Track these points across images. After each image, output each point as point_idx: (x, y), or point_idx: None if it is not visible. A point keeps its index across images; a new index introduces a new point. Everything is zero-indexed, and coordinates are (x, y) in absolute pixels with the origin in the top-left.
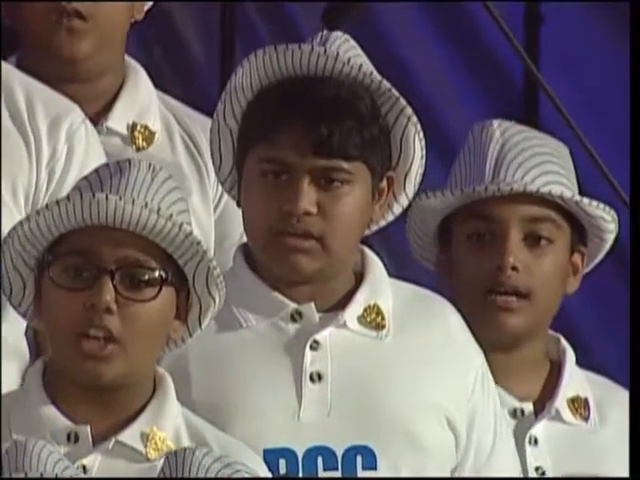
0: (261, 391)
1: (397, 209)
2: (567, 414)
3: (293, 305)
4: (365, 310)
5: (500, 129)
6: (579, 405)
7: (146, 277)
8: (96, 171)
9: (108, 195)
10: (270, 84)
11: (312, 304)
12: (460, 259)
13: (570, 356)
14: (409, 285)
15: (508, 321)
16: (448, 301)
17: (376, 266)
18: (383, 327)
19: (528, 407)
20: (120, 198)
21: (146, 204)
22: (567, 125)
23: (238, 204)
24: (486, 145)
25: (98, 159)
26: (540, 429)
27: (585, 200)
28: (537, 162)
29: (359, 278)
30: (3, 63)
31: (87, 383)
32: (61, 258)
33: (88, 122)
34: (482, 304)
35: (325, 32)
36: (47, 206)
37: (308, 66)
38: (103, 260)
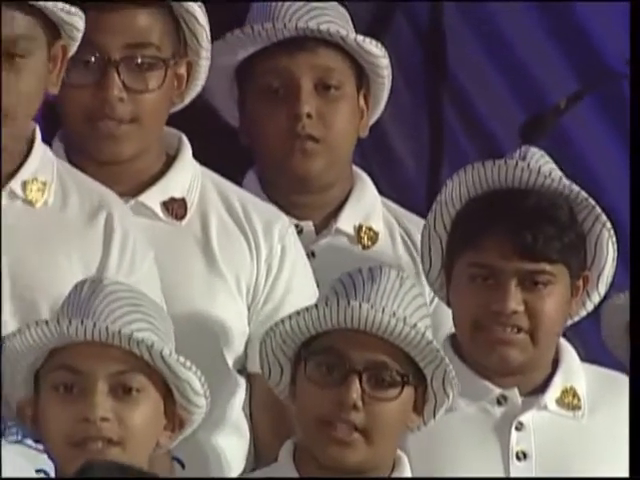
0: (471, 469)
1: (589, 306)
2: None
3: (498, 390)
4: (563, 393)
5: None
6: None
7: (390, 378)
8: (350, 276)
9: (361, 303)
10: (477, 196)
11: (516, 389)
12: None
13: None
14: (594, 367)
15: None
16: None
17: (570, 351)
18: (579, 408)
19: None
20: (372, 306)
21: (394, 313)
22: None
23: (447, 303)
24: None
25: (304, 258)
26: None
27: None
28: None
29: (555, 363)
30: (220, 178)
31: (332, 466)
32: (315, 356)
33: (292, 227)
34: None
35: (524, 148)
36: (307, 308)
37: (513, 179)
38: (353, 361)
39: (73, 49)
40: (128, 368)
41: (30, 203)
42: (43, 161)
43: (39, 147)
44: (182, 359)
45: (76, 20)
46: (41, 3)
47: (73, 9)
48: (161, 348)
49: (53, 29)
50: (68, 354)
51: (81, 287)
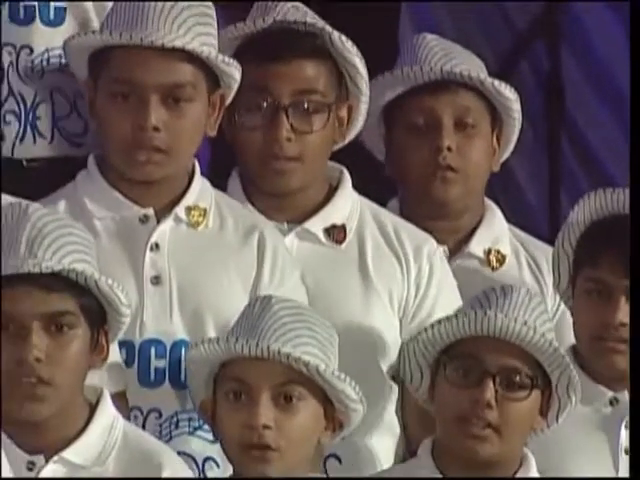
0: (585, 462)
1: None
2: None
3: (611, 393)
4: None
5: None
6: None
7: (521, 381)
8: (485, 292)
9: (497, 313)
10: (599, 219)
11: (625, 392)
12: None
13: None
14: None
15: None
16: None
17: None
18: None
19: None
20: (506, 316)
21: (525, 322)
22: None
23: (572, 314)
24: None
25: (450, 276)
26: None
27: None
28: None
29: None
30: (376, 205)
31: (468, 457)
32: (453, 361)
33: (440, 248)
34: None
35: None
36: (447, 318)
37: (624, 202)
38: (487, 365)
39: (230, 98)
40: (289, 380)
41: (193, 226)
42: (202, 190)
43: (198, 179)
44: (336, 372)
45: (233, 70)
46: (204, 55)
47: (231, 60)
48: (316, 365)
49: (214, 79)
50: (238, 367)
51: (253, 305)
